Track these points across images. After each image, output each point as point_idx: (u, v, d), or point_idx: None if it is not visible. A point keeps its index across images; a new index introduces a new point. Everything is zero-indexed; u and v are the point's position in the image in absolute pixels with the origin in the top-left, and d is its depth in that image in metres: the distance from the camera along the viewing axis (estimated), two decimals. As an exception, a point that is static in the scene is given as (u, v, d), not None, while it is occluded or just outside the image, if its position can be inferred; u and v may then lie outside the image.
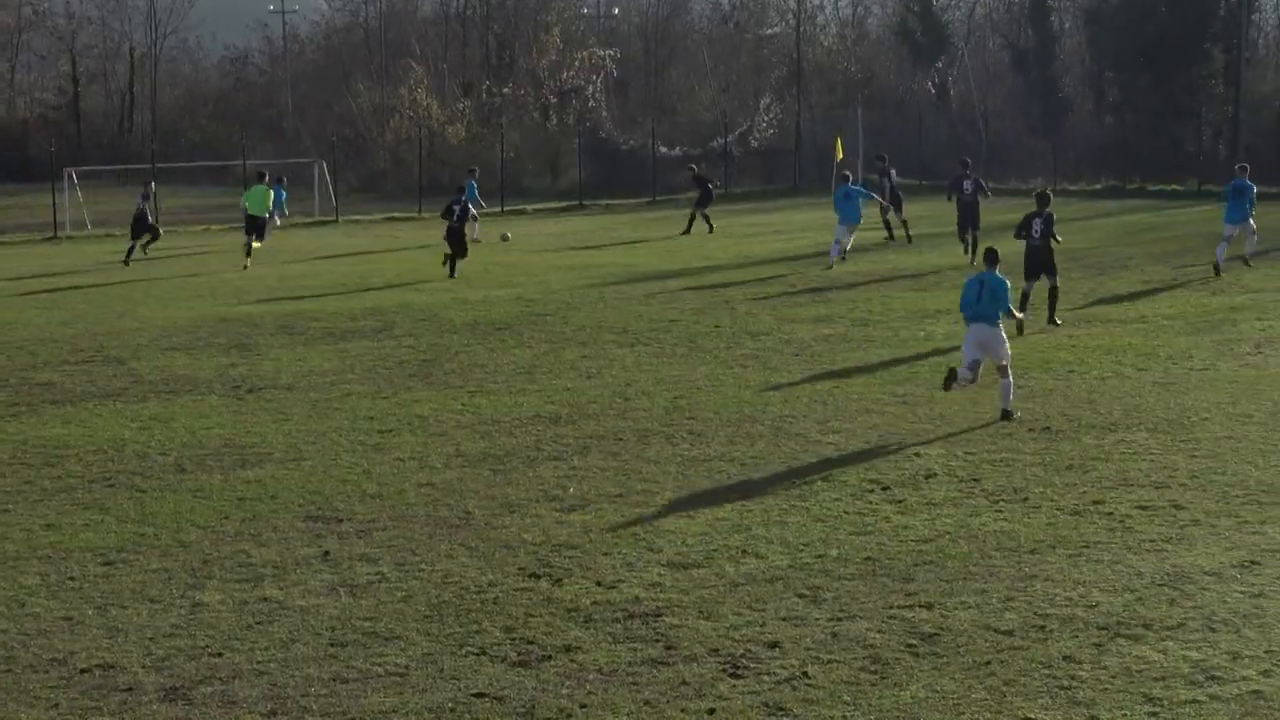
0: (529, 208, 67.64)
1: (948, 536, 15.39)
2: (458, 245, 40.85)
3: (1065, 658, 12.01)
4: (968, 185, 41.10)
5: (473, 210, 44.46)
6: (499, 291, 36.42)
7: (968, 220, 40.93)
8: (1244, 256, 37.91)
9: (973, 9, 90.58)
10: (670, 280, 38.21)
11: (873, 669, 11.86)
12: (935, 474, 18.00)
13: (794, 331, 29.19)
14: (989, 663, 11.93)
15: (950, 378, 21.28)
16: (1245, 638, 12.39)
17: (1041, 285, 29.55)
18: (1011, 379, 21.47)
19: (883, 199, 47.35)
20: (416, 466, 18.80)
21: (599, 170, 77.86)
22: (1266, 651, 12.08)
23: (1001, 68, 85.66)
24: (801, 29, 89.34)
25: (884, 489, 17.35)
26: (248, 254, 44.39)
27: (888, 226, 47.59)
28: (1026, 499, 16.82)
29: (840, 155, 65.49)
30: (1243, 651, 12.09)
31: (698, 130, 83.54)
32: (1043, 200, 29.95)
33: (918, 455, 18.97)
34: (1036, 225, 29.64)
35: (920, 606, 13.24)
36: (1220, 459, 18.49)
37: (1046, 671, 11.75)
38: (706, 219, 53.41)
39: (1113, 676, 11.64)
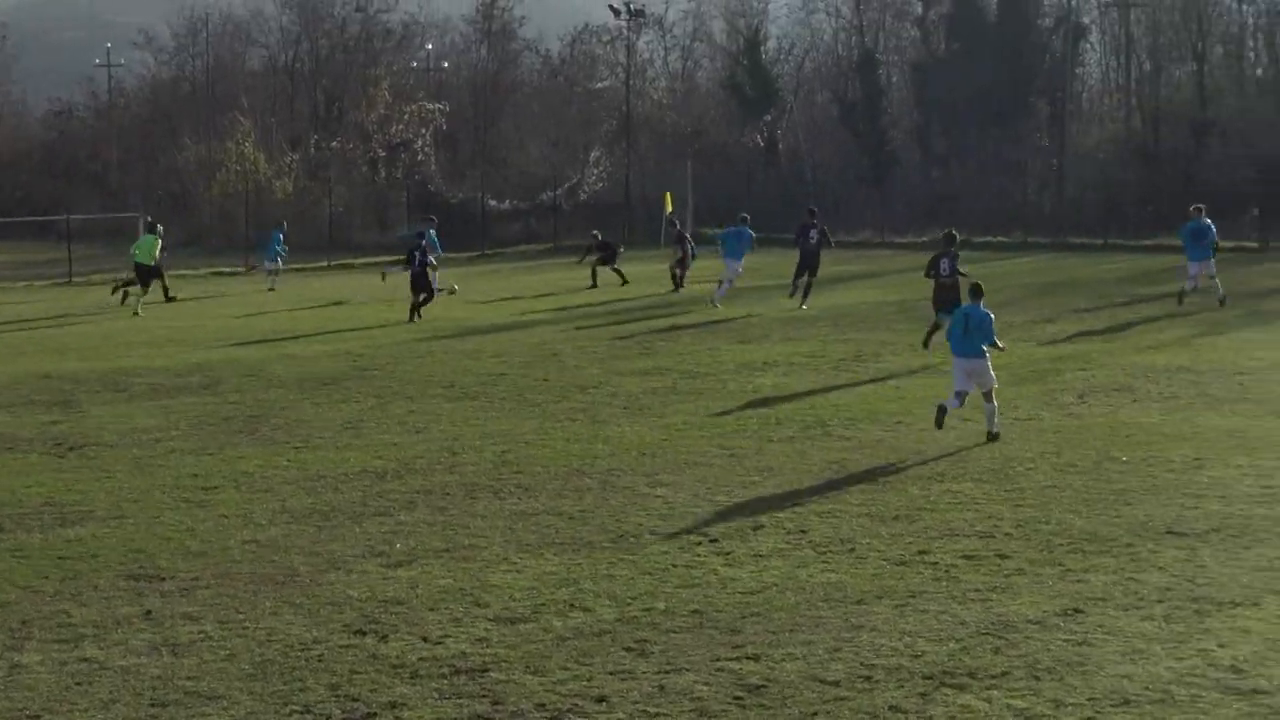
0: (356, 261, 67.29)
1: (775, 588, 15.40)
2: (421, 288, 42.15)
3: (891, 708, 12.03)
4: (814, 234, 42.10)
5: (432, 258, 44.46)
6: (325, 346, 36.15)
7: (806, 266, 41.96)
8: (1218, 299, 40.04)
9: (801, 63, 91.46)
10: (499, 334, 38.13)
11: (700, 722, 11.83)
12: (763, 526, 18.01)
13: (622, 384, 29.19)
14: (815, 714, 11.92)
15: (940, 414, 22.98)
16: (1069, 685, 12.48)
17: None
18: (996, 404, 23.18)
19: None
20: (241, 523, 18.54)
21: (428, 223, 77.56)
22: (1089, 699, 12.16)
23: (830, 121, 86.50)
24: (631, 82, 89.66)
25: (711, 541, 17.33)
26: (123, 299, 45.54)
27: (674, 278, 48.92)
28: (853, 549, 16.87)
29: (670, 208, 65.93)
30: (1065, 699, 12.16)
31: (527, 183, 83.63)
32: (948, 240, 33.13)
33: (745, 507, 18.98)
34: (944, 264, 32.32)
35: (747, 658, 13.22)
36: (1044, 508, 18.66)
37: (872, 722, 11.78)
38: (618, 272, 53.53)
39: (938, 726, 11.68)
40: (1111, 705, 12.06)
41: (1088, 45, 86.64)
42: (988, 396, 23.16)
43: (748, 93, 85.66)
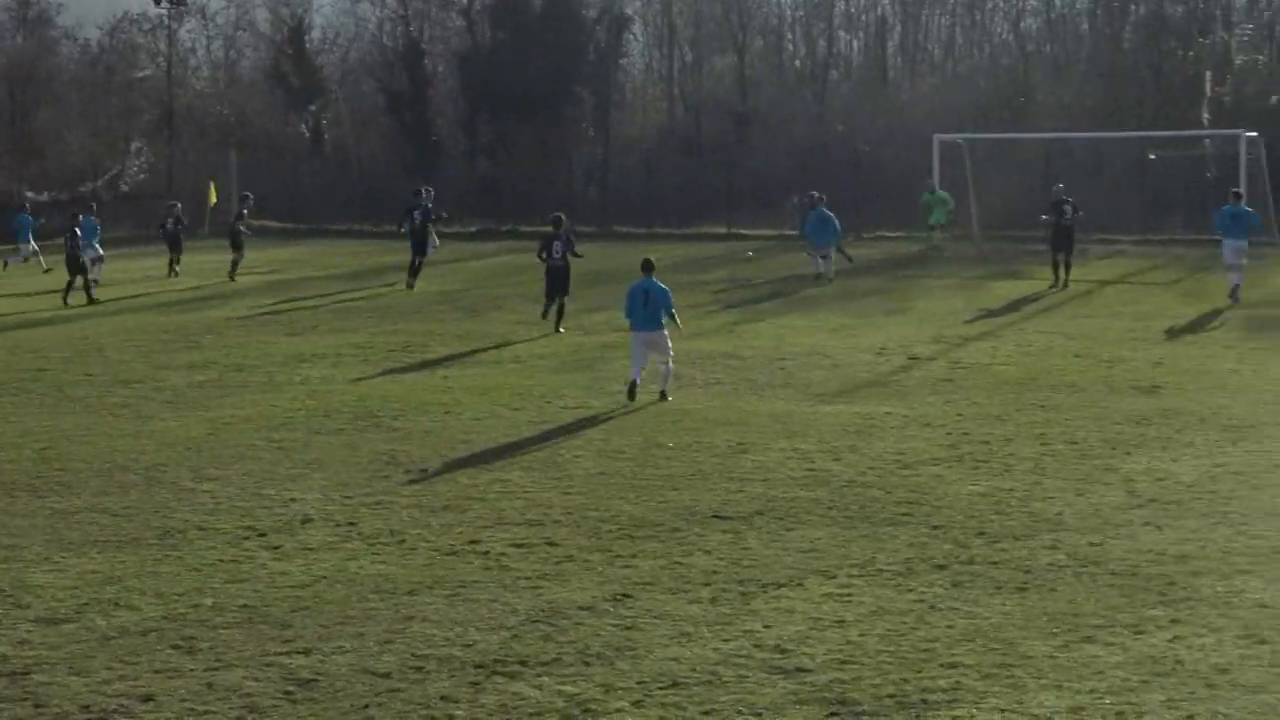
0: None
1: (325, 581, 15.25)
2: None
3: (443, 697, 12.00)
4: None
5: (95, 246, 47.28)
6: None
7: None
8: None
9: (346, 53, 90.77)
10: (39, 328, 37.06)
11: (249, 718, 11.63)
12: (312, 519, 17.83)
13: (167, 379, 28.59)
14: (367, 706, 11.83)
15: (631, 389, 24.66)
16: (618, 670, 12.62)
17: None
18: (672, 368, 25.35)
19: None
20: None
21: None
22: (639, 682, 12.31)
23: (376, 111, 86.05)
24: (173, 72, 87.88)
25: (260, 535, 17.08)
26: None
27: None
28: (404, 541, 16.81)
29: (214, 200, 64.85)
30: (615, 683, 12.29)
31: (67, 174, 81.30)
32: (557, 223, 35.75)
33: (294, 501, 18.76)
34: (556, 246, 34.88)
35: (298, 653, 13.05)
36: (592, 495, 18.86)
37: (425, 712, 11.72)
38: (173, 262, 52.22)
39: (490, 714, 11.69)
40: (660, 688, 12.22)
41: (631, 36, 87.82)
42: (665, 364, 25.02)
43: (292, 82, 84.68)
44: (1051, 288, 42.23)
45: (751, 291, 42.74)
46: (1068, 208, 43.16)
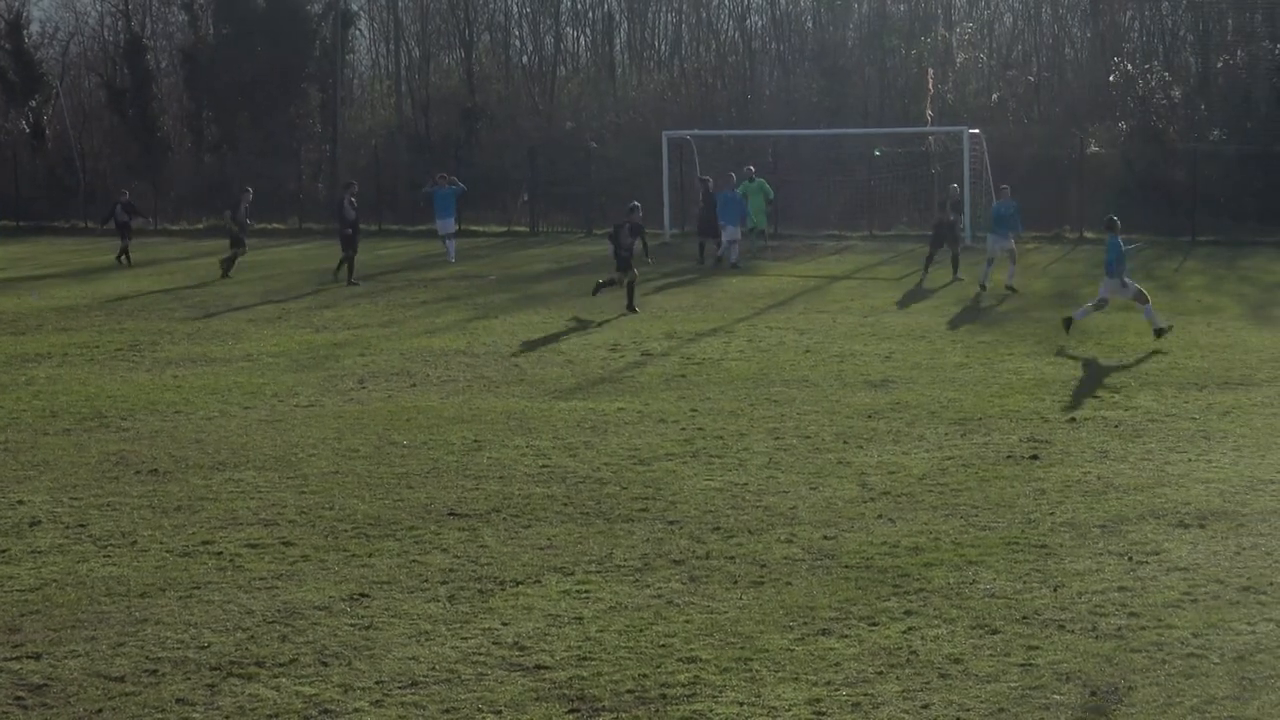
0: None
1: (55, 584, 14.95)
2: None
3: (178, 700, 11.84)
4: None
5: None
6: None
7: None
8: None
9: (66, 47, 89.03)
10: None
11: (-22, 728, 11.39)
12: (40, 521, 17.46)
13: (-115, 379, 27.84)
14: (100, 711, 11.64)
15: None
16: (356, 670, 12.54)
17: None
18: None
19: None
20: None
21: None
22: (377, 682, 12.25)
23: (99, 106, 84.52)
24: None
25: (-14, 539, 16.73)
26: None
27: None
28: (135, 542, 16.54)
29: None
30: (354, 683, 12.22)
31: None
32: (632, 212, 37.30)
33: (21, 503, 18.36)
34: (627, 232, 36.78)
35: (28, 657, 12.79)
36: (328, 494, 18.72)
37: (160, 716, 11.56)
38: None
39: (226, 717, 11.56)
40: (399, 687, 12.18)
41: (358, 32, 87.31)
42: None
43: (11, 78, 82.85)
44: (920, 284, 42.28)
45: (484, 288, 42.67)
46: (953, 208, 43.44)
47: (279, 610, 14.11)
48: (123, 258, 51.37)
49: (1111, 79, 67.44)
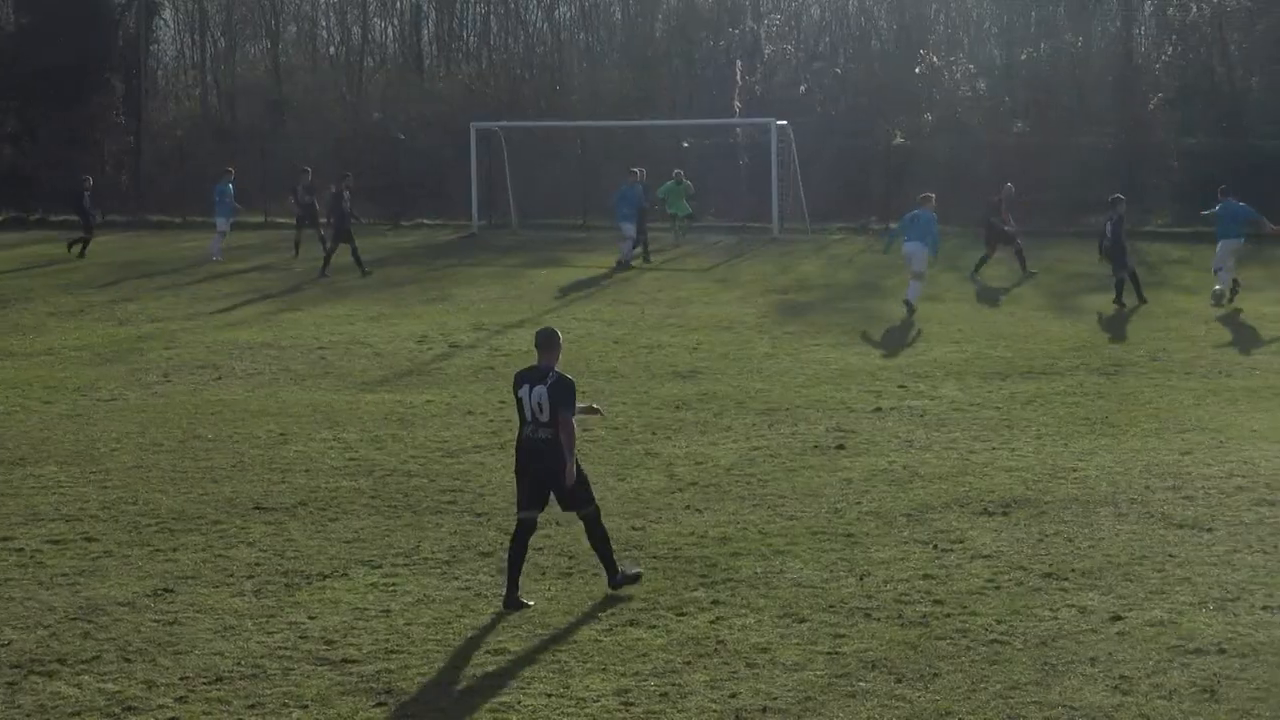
0: None
1: None
2: None
3: (-23, 701, 11.67)
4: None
5: None
6: None
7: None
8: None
9: None
10: None
11: None
12: None
13: None
14: (-103, 714, 11.44)
15: None
16: (160, 666, 12.42)
17: None
18: None
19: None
20: None
21: None
22: (181, 678, 12.15)
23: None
24: None
25: None
26: None
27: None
28: (-68, 540, 16.24)
29: None
30: (158, 680, 12.10)
31: None
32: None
33: None
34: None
35: None
36: (131, 489, 18.49)
37: (-42, 718, 11.38)
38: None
39: (27, 715, 11.41)
40: (204, 682, 12.08)
41: (162, 22, 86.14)
42: None
43: None
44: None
45: (289, 279, 42.30)
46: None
47: (81, 607, 13.93)
48: (75, 246, 50.21)
49: (917, 70, 68.12)
